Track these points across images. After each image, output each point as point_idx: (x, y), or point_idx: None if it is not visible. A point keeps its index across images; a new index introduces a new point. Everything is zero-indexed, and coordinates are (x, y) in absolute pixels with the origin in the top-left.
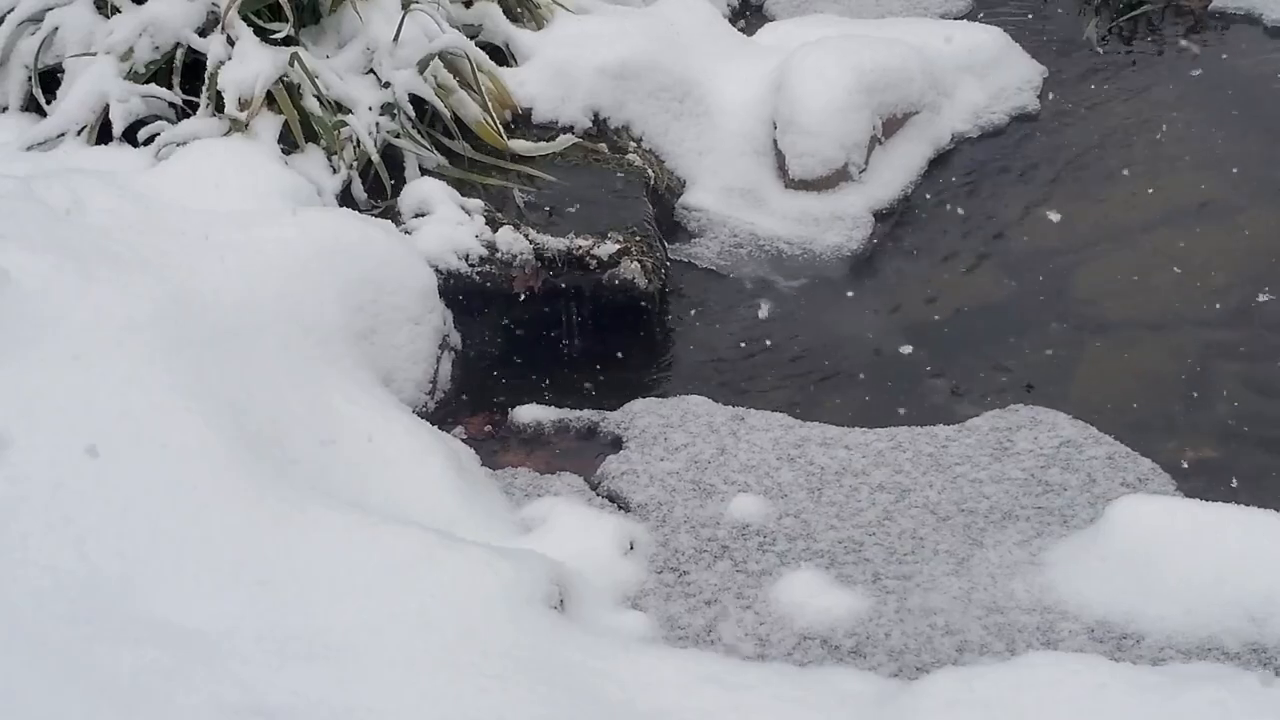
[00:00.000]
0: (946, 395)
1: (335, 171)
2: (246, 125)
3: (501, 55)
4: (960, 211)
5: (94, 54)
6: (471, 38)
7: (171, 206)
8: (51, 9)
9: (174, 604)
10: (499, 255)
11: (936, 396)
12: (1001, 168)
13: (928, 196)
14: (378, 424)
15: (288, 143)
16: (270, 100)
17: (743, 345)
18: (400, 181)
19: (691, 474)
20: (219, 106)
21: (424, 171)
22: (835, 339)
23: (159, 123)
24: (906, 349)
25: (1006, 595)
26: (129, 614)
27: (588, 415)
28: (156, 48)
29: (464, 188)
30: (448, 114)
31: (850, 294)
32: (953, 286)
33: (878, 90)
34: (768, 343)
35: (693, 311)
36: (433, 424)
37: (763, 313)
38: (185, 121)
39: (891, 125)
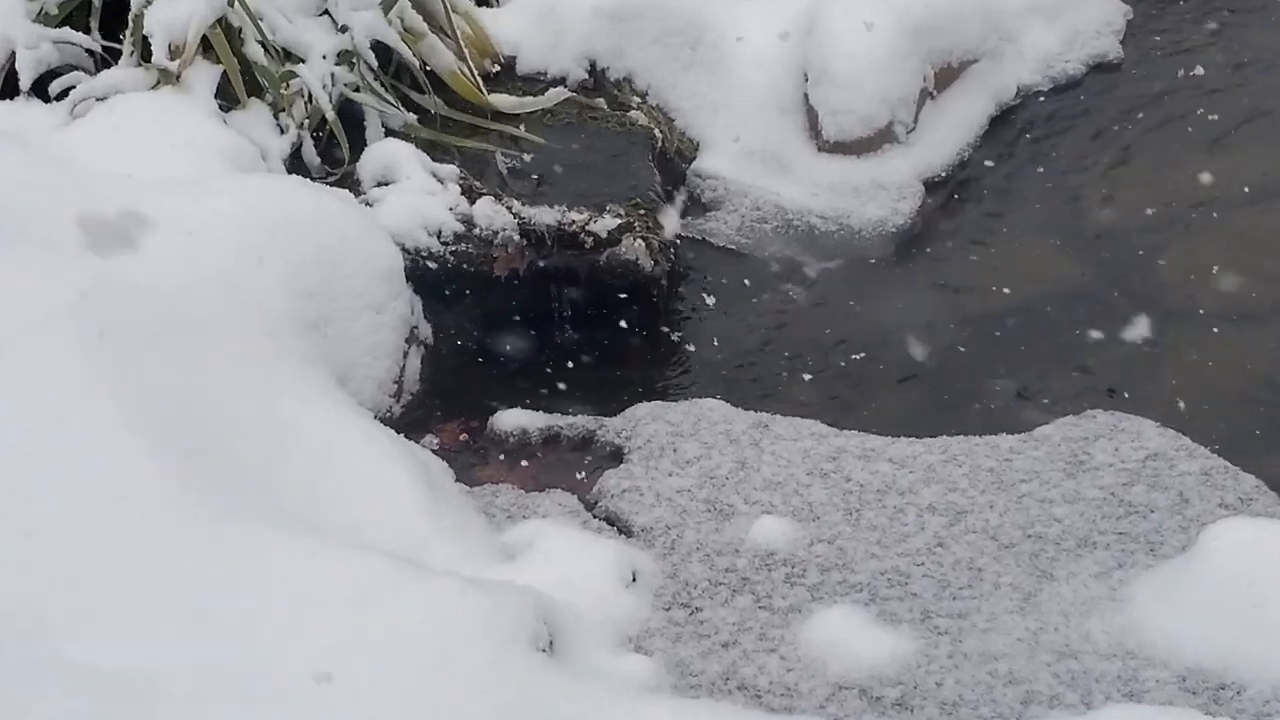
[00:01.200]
0: (1010, 399)
1: (283, 131)
2: (178, 76)
3: None
4: (1027, 179)
5: None
6: None
7: (91, 173)
8: None
9: (95, 644)
10: (477, 231)
11: (998, 400)
12: (1076, 127)
13: (988, 161)
14: (333, 431)
15: (227, 97)
16: (206, 47)
17: (767, 339)
18: (360, 143)
19: (706, 492)
20: (145, 54)
21: (388, 132)
22: (877, 332)
23: (74, 74)
24: (962, 344)
25: (1082, 637)
26: (40, 656)
27: (582, 422)
28: None
29: (436, 151)
30: (416, 63)
31: (895, 278)
32: (1017, 269)
33: (928, 34)
34: (796, 336)
35: (707, 298)
36: (398, 431)
37: (790, 300)
38: (106, 72)
39: (945, 76)
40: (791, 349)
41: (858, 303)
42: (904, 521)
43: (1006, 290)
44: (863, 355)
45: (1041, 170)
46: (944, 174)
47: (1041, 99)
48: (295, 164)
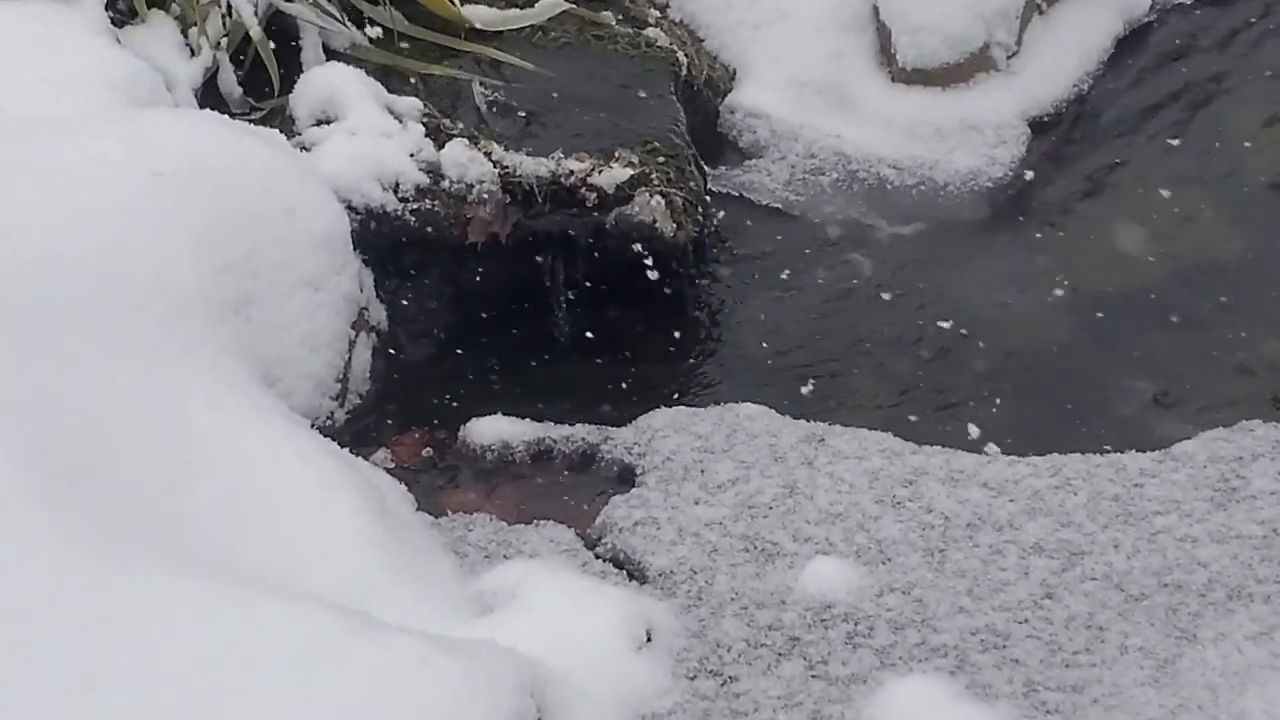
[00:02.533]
0: (1143, 405)
1: (194, 53)
2: None
3: None
4: (1164, 118)
5: None
6: None
7: None
8: None
9: None
10: (446, 184)
11: (1126, 407)
12: (1229, 51)
13: (1114, 96)
14: (256, 445)
15: (121, 9)
16: None
17: (823, 326)
18: (295, 69)
19: (743, 525)
20: None
21: (331, 54)
22: (967, 317)
23: None
24: (1078, 333)
25: (1235, 718)
26: None
27: (582, 433)
28: None
29: (393, 80)
30: None
31: (991, 247)
32: (1153, 236)
33: None
34: (862, 322)
35: (746, 273)
36: (341, 444)
37: (855, 275)
38: None
39: None
40: (855, 339)
41: (942, 279)
42: (1002, 565)
43: (1137, 264)
44: (948, 348)
45: (1183, 106)
46: (1056, 111)
47: (1182, 14)
48: (210, 95)
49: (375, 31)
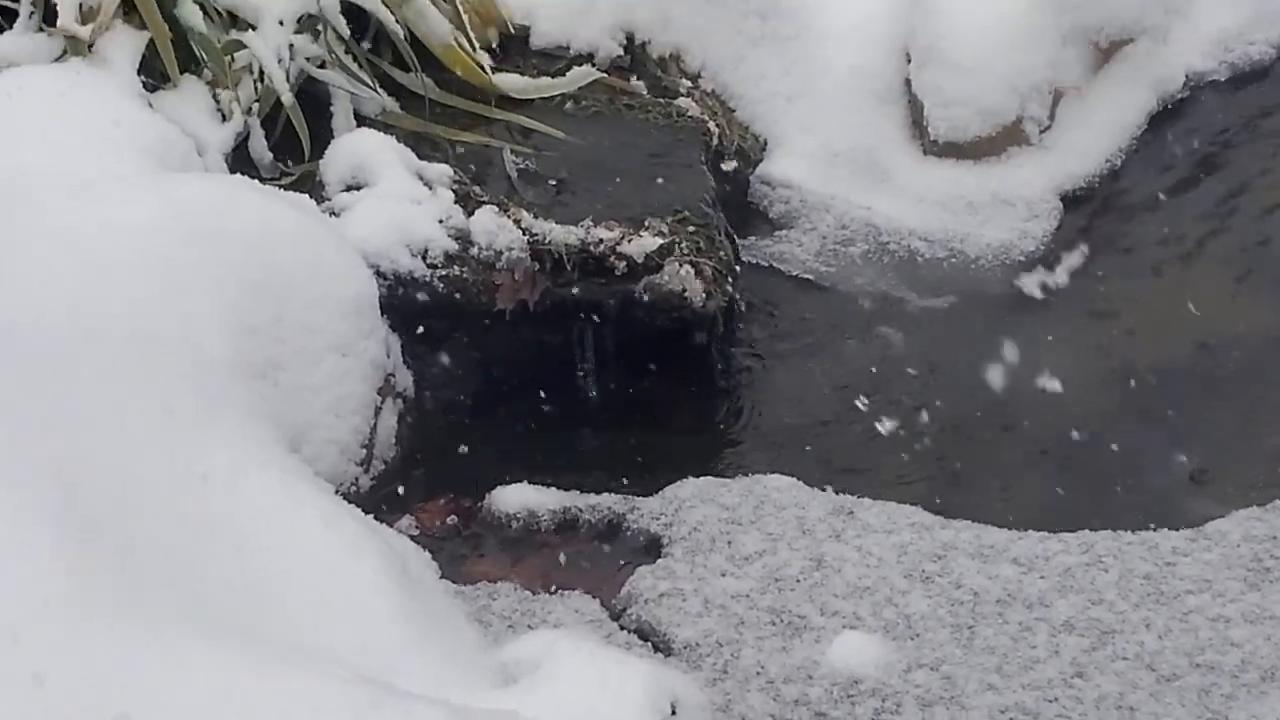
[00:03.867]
0: (1178, 482)
1: (225, 118)
2: (91, 46)
3: None
4: (1198, 195)
5: None
6: None
7: None
8: None
9: None
10: (475, 251)
11: (1159, 483)
12: (1262, 127)
13: (1147, 171)
14: (280, 510)
15: (154, 73)
16: (128, 7)
17: (853, 397)
18: (326, 135)
19: (770, 598)
20: (49, 16)
21: (361, 120)
22: (998, 391)
23: None
24: (1111, 409)
25: None
26: None
27: (608, 503)
28: None
29: (424, 146)
30: (401, 32)
31: (1023, 321)
32: (1187, 311)
33: (1071, 4)
34: (892, 394)
35: (776, 344)
36: (366, 510)
37: (885, 347)
38: None
39: (1092, 60)
40: (885, 411)
41: (973, 352)
42: (1032, 643)
43: (1171, 339)
44: (978, 422)
45: (1217, 182)
46: (1088, 186)
47: (1217, 91)
48: (240, 160)
49: (407, 97)
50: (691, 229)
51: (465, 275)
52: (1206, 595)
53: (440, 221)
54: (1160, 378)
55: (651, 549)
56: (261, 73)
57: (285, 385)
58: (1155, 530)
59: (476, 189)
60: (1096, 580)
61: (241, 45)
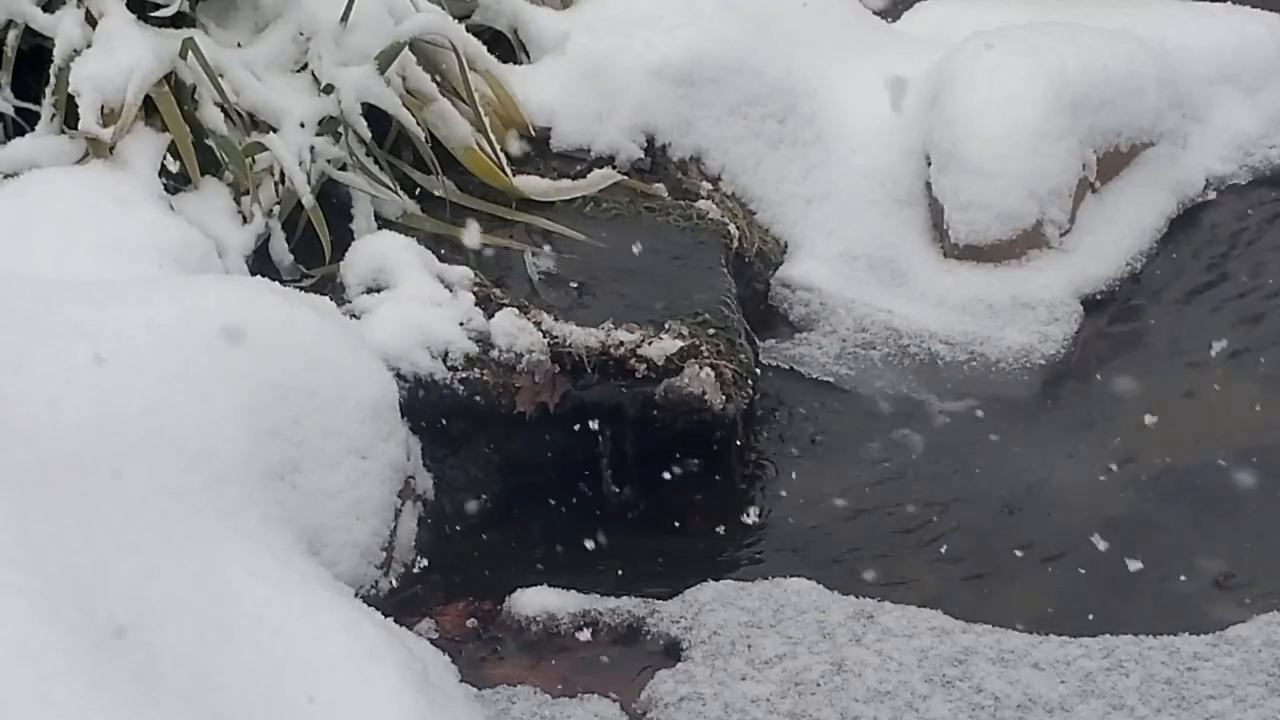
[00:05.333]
0: (1202, 587)
1: (246, 220)
2: (112, 148)
3: (507, 46)
4: (1219, 299)
5: None
6: (462, 18)
7: None
8: None
9: None
10: (495, 353)
11: (1181, 587)
12: None
13: (1168, 275)
14: (298, 615)
15: (174, 176)
16: (150, 110)
17: (873, 501)
18: (346, 237)
19: (790, 702)
20: (70, 119)
21: (382, 222)
22: (1019, 495)
23: None
24: (1132, 514)
25: None
26: None
27: (628, 606)
28: None
29: (444, 248)
30: (421, 135)
31: (1043, 425)
32: (1208, 418)
33: (1090, 109)
34: (912, 498)
35: (796, 446)
36: (386, 614)
37: (905, 451)
38: (18, 141)
39: (1111, 163)
40: (905, 515)
41: (994, 456)
42: None
43: (1193, 444)
44: (999, 525)
45: (1238, 286)
46: (1109, 289)
47: (1237, 195)
48: (261, 262)
49: (428, 199)
50: (712, 332)
51: (486, 378)
52: (1228, 700)
53: (461, 324)
54: (1183, 482)
55: (671, 652)
56: (282, 175)
57: (304, 488)
58: (1176, 635)
59: (497, 291)
60: (1118, 685)
61: (263, 147)
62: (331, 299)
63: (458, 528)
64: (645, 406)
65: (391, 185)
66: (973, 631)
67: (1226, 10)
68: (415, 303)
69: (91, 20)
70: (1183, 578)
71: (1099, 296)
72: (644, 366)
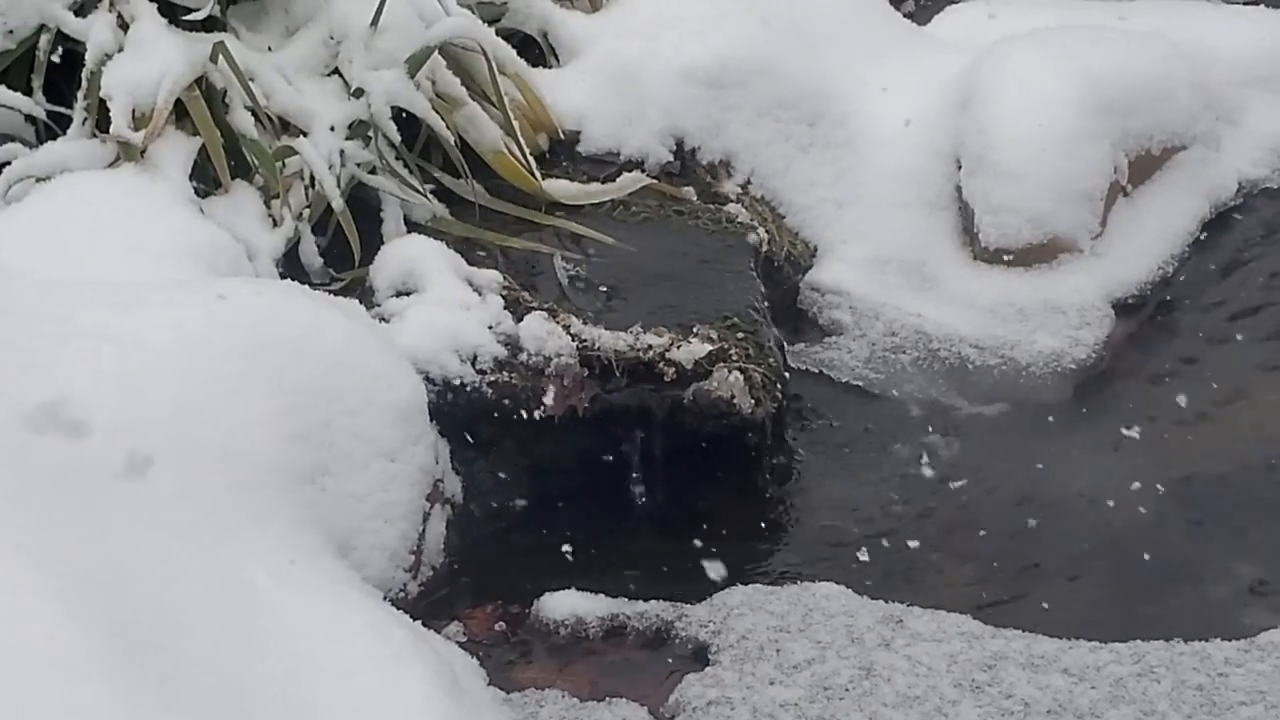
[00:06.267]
0: (1234, 593)
1: (276, 224)
2: (143, 152)
3: (537, 49)
4: (1252, 302)
5: None
6: (492, 21)
7: (19, 274)
8: None
9: None
10: (524, 357)
11: (1213, 593)
12: None
13: (1199, 279)
14: (326, 617)
15: (205, 179)
16: (180, 114)
17: (902, 505)
18: (376, 240)
19: (819, 708)
20: (102, 123)
21: (411, 225)
22: (1049, 498)
23: (9, 146)
24: (1163, 517)
25: None
26: None
27: (656, 610)
28: (9, 31)
29: (473, 251)
30: (451, 138)
31: (1074, 429)
32: (1240, 422)
33: (1121, 111)
34: (942, 502)
35: (824, 450)
36: (414, 617)
37: (934, 455)
38: (50, 145)
39: (1143, 166)
40: (935, 519)
41: (1024, 460)
42: None
43: (1227, 448)
44: (1030, 529)
45: (1270, 289)
46: (1140, 294)
47: (1270, 198)
48: (291, 265)
49: (457, 203)
50: (741, 335)
51: (514, 381)
52: (1259, 707)
53: (489, 327)
54: (1215, 487)
55: (700, 656)
56: (312, 179)
57: (333, 491)
58: (1208, 641)
59: (526, 295)
60: (1148, 691)
61: (293, 151)
62: (361, 302)
63: (486, 531)
64: (674, 410)
65: (421, 189)
66: (1002, 636)
67: (1259, 12)
68: (444, 306)
69: (123, 24)
70: (1215, 583)
71: (1130, 300)
72: (673, 370)
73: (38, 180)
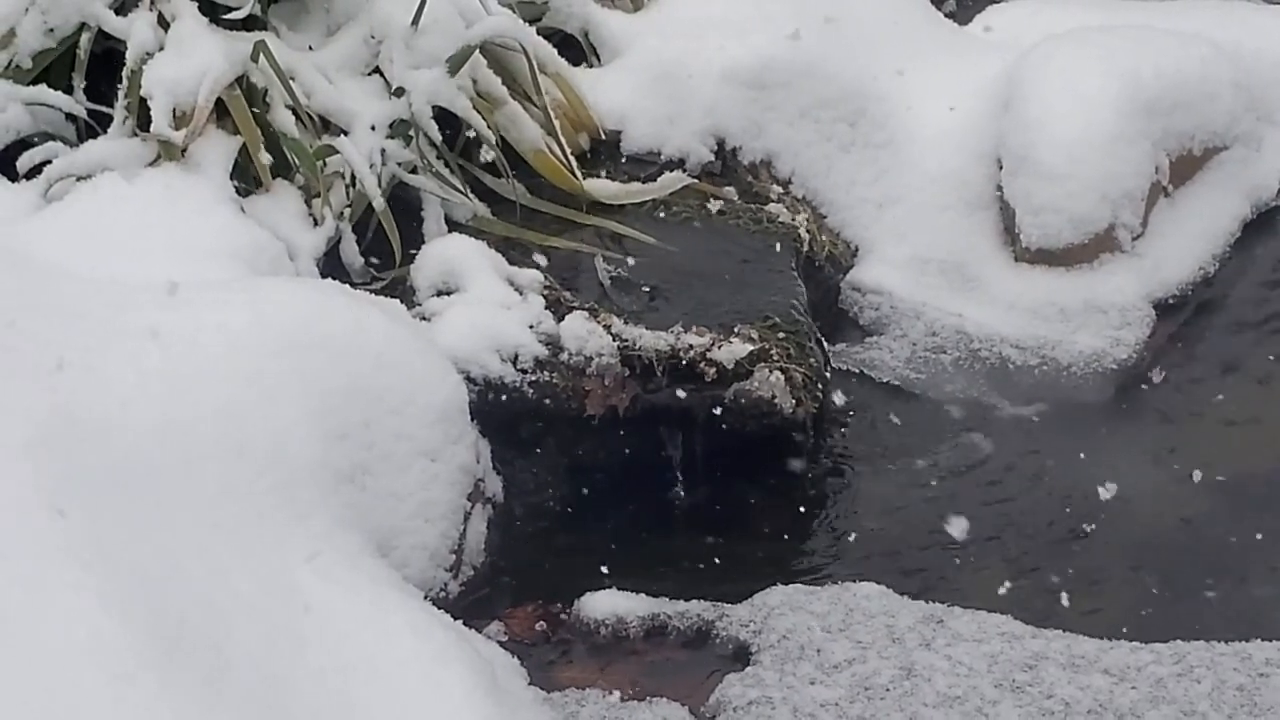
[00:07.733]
0: (1275, 593)
1: (317, 223)
2: (184, 151)
3: (578, 48)
4: None
5: None
6: (533, 21)
7: (63, 274)
8: None
9: None
10: (565, 357)
11: (1255, 592)
12: None
13: (1240, 279)
14: (367, 617)
15: (246, 178)
16: (221, 113)
17: (943, 506)
18: (417, 240)
19: (859, 707)
20: (143, 121)
21: (452, 225)
22: (1090, 499)
23: (51, 144)
24: (1204, 518)
25: None
26: None
27: (697, 610)
28: (50, 30)
29: (514, 251)
30: (492, 138)
31: (1115, 429)
32: None
33: (1163, 112)
34: (982, 503)
35: (865, 451)
36: (455, 616)
37: (975, 455)
38: (91, 143)
39: (1185, 167)
40: (976, 520)
41: (1064, 461)
42: None
43: (1269, 450)
44: (1070, 531)
45: None
46: (1181, 294)
47: None
48: (332, 265)
49: (498, 202)
50: (782, 335)
51: (555, 381)
52: None
53: (531, 327)
54: (1257, 488)
55: (740, 656)
56: (353, 178)
57: (373, 490)
58: (1249, 641)
59: (567, 294)
60: (1189, 691)
61: (334, 150)
62: (401, 302)
63: (527, 530)
64: (715, 410)
65: (462, 188)
66: (1043, 637)
67: None
68: (485, 306)
69: (164, 23)
70: (1257, 583)
71: (1171, 301)
72: (714, 370)
73: (78, 179)
